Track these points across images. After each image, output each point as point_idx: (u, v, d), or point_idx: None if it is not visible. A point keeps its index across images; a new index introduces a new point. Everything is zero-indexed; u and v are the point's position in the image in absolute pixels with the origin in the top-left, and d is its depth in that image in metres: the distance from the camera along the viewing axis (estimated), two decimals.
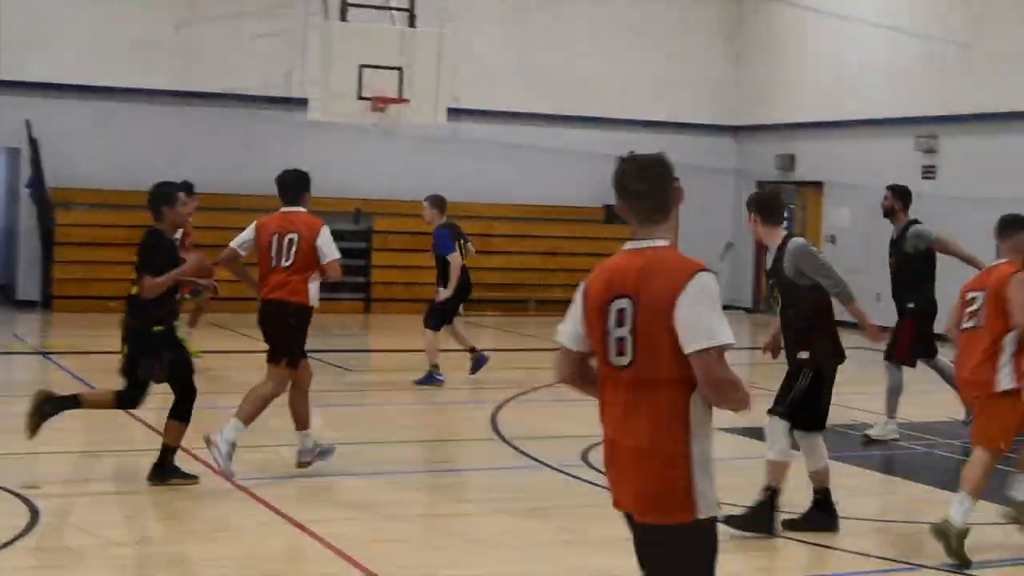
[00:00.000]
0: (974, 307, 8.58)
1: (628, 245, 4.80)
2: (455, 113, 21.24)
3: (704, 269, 4.64)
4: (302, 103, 19.29)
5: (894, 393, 12.54)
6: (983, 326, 8.48)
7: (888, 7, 24.10)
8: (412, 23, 19.59)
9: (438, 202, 15.14)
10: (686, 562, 4.63)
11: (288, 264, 9.96)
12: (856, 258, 24.41)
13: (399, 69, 18.68)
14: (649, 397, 4.59)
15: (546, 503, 9.68)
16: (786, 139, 26.48)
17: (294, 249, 9.99)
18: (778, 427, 8.80)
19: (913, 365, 12.63)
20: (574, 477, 10.36)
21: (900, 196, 12.89)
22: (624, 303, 4.62)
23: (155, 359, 9.36)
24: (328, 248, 10.11)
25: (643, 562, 4.72)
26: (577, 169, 25.94)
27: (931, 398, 13.92)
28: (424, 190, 24.48)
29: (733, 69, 27.69)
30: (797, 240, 8.99)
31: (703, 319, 4.51)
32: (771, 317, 11.11)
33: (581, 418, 11.13)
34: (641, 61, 26.80)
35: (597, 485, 10.02)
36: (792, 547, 8.55)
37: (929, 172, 23.23)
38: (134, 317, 9.51)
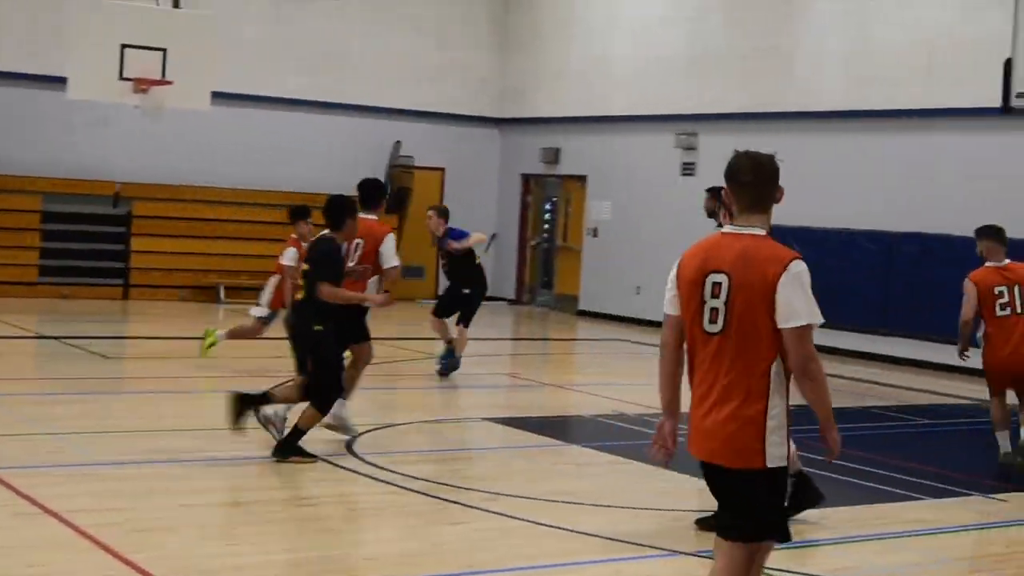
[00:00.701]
0: (1004, 299, 11.35)
1: (728, 229, 5.51)
2: (219, 97, 20.82)
3: (799, 258, 5.34)
4: (61, 81, 18.66)
5: None
6: (1020, 313, 11.36)
7: (653, 6, 24.58)
8: (176, 3, 19.16)
9: (445, 212, 16.07)
10: (759, 498, 5.42)
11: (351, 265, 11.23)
12: (617, 250, 24.95)
13: (163, 50, 18.22)
14: (737, 362, 5.33)
15: (317, 492, 9.59)
16: (551, 132, 26.78)
17: (358, 253, 11.36)
18: None
19: None
20: (337, 466, 10.28)
21: (719, 197, 12.99)
22: (720, 277, 5.35)
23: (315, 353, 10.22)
24: (388, 256, 11.48)
25: (727, 502, 5.52)
26: (344, 156, 25.77)
27: None
28: (186, 174, 24.12)
29: (499, 61, 27.86)
30: None
31: (799, 300, 5.27)
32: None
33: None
34: (410, 49, 26.71)
35: (359, 473, 10.00)
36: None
37: (689, 169, 23.80)
38: (301, 318, 10.29)
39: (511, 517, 8.91)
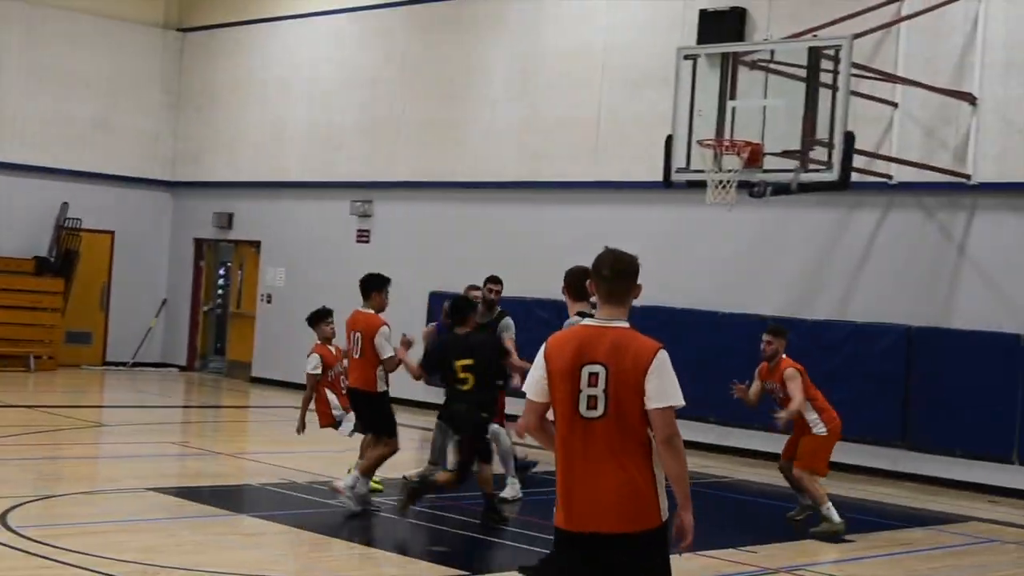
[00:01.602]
0: None
1: (593, 322, 5.97)
2: None
3: (663, 347, 5.83)
4: None
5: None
6: None
7: (329, 71, 24.62)
8: None
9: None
10: (660, 556, 5.85)
11: (358, 356, 12.35)
12: (291, 317, 24.73)
13: None
14: (618, 440, 5.79)
15: None
16: (225, 197, 26.42)
17: (359, 346, 12.30)
18: None
19: None
20: None
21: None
22: (597, 368, 5.80)
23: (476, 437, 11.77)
24: (382, 347, 12.15)
25: (622, 566, 5.83)
26: (9, 217, 24.81)
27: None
28: None
29: (172, 122, 27.38)
30: None
31: (666, 384, 5.78)
32: None
33: None
34: (76, 109, 25.98)
35: (11, 547, 9.56)
36: None
37: (363, 236, 23.86)
38: (471, 406, 11.73)
39: None
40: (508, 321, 14.20)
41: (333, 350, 13.53)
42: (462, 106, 22.35)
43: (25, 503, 11.09)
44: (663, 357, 5.86)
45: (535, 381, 5.99)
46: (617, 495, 5.79)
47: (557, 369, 5.91)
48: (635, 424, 5.81)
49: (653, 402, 5.79)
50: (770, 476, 16.22)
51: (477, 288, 14.51)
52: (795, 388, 12.24)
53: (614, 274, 5.99)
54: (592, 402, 5.83)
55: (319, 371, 13.25)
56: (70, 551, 9.50)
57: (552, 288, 20.65)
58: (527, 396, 6.01)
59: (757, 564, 10.91)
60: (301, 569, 9.61)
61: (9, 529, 10.12)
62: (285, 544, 10.54)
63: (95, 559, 9.36)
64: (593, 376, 5.84)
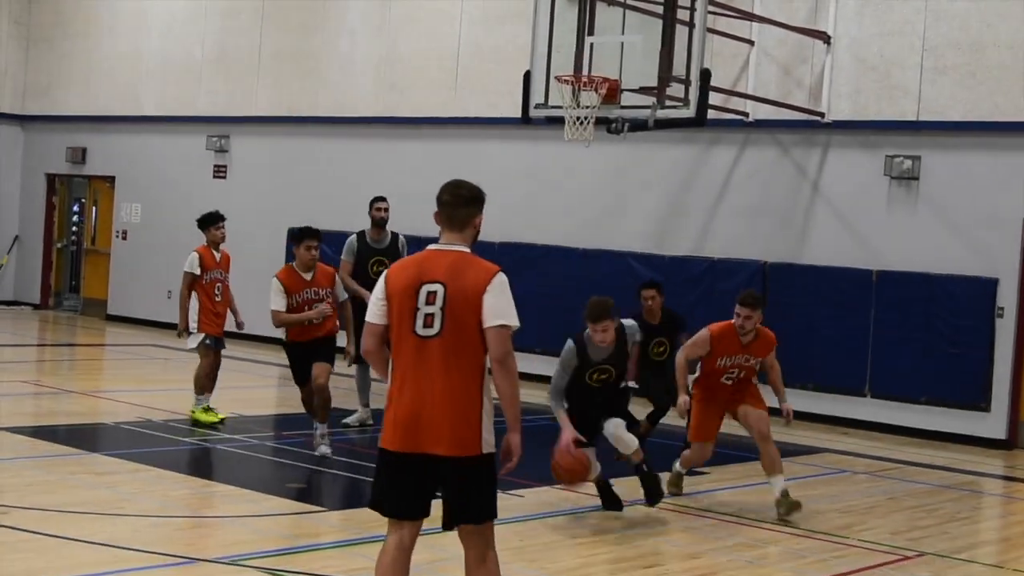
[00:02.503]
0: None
1: (434, 247, 6.19)
2: None
3: (501, 271, 6.05)
4: None
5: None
6: None
7: (184, 4, 24.14)
8: None
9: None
10: (483, 482, 6.05)
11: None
12: (147, 254, 24.36)
13: None
14: (453, 361, 5.94)
15: None
16: (78, 131, 25.83)
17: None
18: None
19: None
20: None
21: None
22: (435, 287, 5.98)
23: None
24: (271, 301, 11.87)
25: (447, 490, 6.04)
26: None
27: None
28: None
29: (22, 55, 26.64)
30: None
31: (502, 305, 5.97)
32: None
33: None
34: None
35: None
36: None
37: (220, 172, 23.52)
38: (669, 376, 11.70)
39: (20, 530, 8.49)
40: (403, 240, 14.26)
41: (218, 256, 13.52)
42: (320, 38, 22.08)
43: None
44: (502, 279, 6.04)
45: (374, 304, 6.15)
46: (447, 418, 5.95)
47: (396, 289, 6.08)
48: (470, 344, 5.97)
49: (489, 320, 5.96)
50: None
51: (382, 200, 14.31)
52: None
53: (454, 199, 6.27)
54: (429, 320, 5.98)
55: (196, 271, 13.31)
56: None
57: (412, 223, 20.72)
58: (366, 319, 6.18)
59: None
60: (156, 507, 9.49)
61: None
62: (139, 482, 10.40)
63: None
64: (431, 294, 6.00)
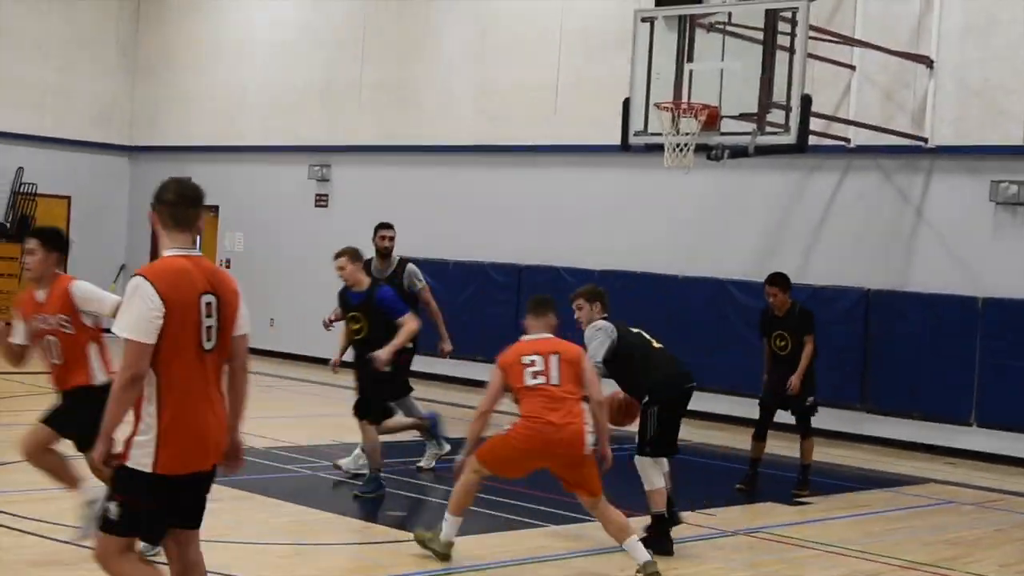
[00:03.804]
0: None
1: (180, 252, 5.76)
2: None
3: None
4: None
5: None
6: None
7: (286, 32, 24.45)
8: None
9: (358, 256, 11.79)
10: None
11: None
12: (250, 282, 24.63)
13: None
14: (219, 372, 5.79)
15: None
16: (183, 161, 26.20)
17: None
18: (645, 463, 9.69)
19: None
20: None
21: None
22: (211, 298, 5.70)
23: None
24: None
25: (193, 500, 5.83)
26: None
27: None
28: None
29: (128, 86, 27.13)
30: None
31: (245, 312, 5.89)
32: None
33: None
34: (29, 73, 25.70)
35: None
36: None
37: (322, 200, 23.74)
38: None
39: None
40: (412, 267, 13.25)
41: None
42: (420, 69, 22.23)
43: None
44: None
45: (145, 320, 5.55)
46: (217, 430, 5.79)
47: (177, 301, 5.63)
48: (226, 355, 5.84)
49: (243, 328, 5.90)
50: (729, 439, 16.29)
51: (387, 227, 13.50)
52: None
53: (178, 198, 5.83)
54: (209, 333, 5.73)
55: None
56: (23, 517, 9.43)
57: (510, 251, 20.76)
58: (131, 337, 5.54)
59: (714, 527, 10.94)
60: (256, 534, 9.56)
61: None
62: (241, 510, 10.48)
63: (49, 525, 9.30)
64: (209, 306, 5.73)
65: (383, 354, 10.92)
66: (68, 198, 26.45)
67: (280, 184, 24.42)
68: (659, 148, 15.06)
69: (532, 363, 8.77)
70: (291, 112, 24.23)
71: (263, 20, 24.91)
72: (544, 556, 9.48)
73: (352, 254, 11.31)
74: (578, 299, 10.15)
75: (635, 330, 10.24)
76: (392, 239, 13.27)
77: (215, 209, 25.75)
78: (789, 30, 14.69)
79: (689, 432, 16.97)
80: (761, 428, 12.96)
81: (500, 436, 8.85)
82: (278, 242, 24.12)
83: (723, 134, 14.88)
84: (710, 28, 15.21)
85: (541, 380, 8.70)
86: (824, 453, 15.73)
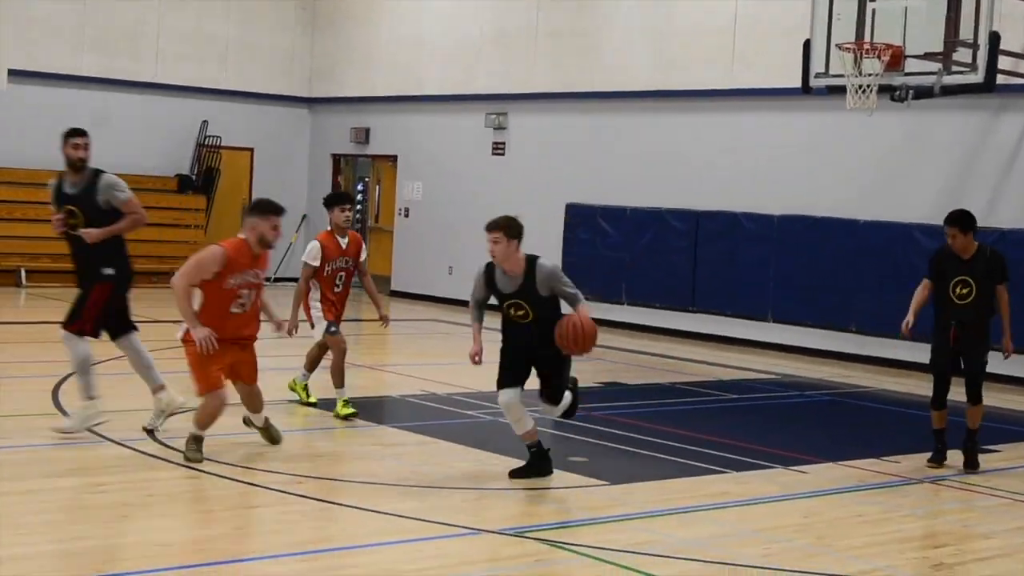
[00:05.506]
0: None
1: None
2: (16, 75, 20.20)
3: None
4: None
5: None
6: None
7: None
8: None
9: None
10: None
11: None
12: (429, 230, 24.91)
13: None
14: None
15: (112, 479, 9.31)
16: (361, 112, 26.57)
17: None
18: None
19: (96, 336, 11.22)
20: (136, 451, 10.03)
21: None
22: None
23: None
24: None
25: None
26: (149, 136, 25.26)
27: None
28: None
29: (307, 40, 27.54)
30: None
31: None
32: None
33: (138, 392, 10.86)
34: (214, 28, 26.27)
35: (159, 458, 9.77)
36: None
37: (499, 148, 23.84)
38: None
39: (314, 499, 8.79)
40: (109, 178, 10.89)
41: (344, 243, 12.18)
42: (596, 15, 22.11)
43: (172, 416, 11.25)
44: None
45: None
46: None
47: None
48: None
49: None
50: (912, 385, 15.99)
51: (81, 133, 11.09)
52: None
53: None
54: None
55: (316, 263, 12.06)
56: (217, 461, 9.69)
57: (688, 199, 20.60)
58: None
59: (900, 474, 10.76)
60: (440, 478, 9.69)
61: (158, 441, 10.34)
62: (424, 454, 10.64)
63: (242, 469, 9.57)
64: None
65: (95, 232, 10.56)
66: (251, 150, 27.03)
67: (458, 133, 24.58)
68: (841, 90, 14.78)
69: None
70: (468, 61, 24.34)
71: None
72: (726, 503, 9.44)
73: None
74: (496, 232, 9.62)
75: None
76: (87, 147, 10.90)
77: (393, 159, 26.06)
78: None
79: (870, 378, 16.73)
80: (940, 395, 11.32)
81: None
82: (456, 190, 24.32)
83: (907, 74, 14.55)
84: None
85: None
86: (1015, 401, 15.36)
